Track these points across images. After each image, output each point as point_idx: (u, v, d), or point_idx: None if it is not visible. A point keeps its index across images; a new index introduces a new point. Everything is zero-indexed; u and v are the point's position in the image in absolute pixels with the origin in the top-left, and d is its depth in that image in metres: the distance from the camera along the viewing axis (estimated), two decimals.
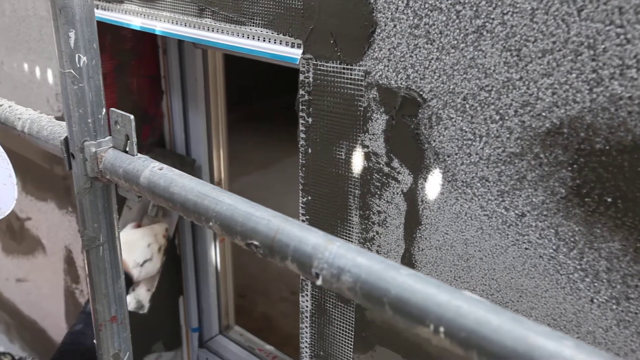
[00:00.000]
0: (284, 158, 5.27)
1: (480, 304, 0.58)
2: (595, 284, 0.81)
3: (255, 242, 0.75)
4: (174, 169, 0.90)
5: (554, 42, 0.75)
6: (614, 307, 0.80)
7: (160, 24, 1.25)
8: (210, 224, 0.81)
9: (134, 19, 1.31)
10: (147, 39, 1.64)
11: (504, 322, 0.56)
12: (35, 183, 2.01)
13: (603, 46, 0.71)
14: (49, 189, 1.95)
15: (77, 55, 0.93)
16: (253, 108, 6.30)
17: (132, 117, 0.93)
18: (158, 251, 1.79)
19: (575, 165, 0.78)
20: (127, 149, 0.96)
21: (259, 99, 6.39)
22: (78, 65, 0.93)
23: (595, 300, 0.82)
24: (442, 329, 0.58)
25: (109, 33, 1.53)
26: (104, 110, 0.98)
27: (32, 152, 1.94)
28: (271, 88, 6.33)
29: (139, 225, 1.82)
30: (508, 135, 0.83)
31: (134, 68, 1.64)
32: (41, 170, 1.94)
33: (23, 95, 1.80)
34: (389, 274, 0.63)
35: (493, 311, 0.57)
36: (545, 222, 0.83)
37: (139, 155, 0.94)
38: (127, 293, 1.73)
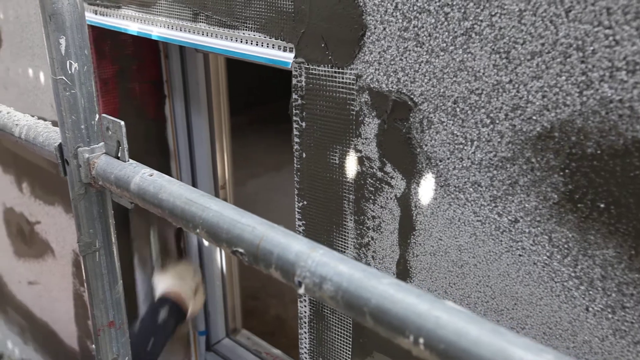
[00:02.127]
0: None
1: (460, 314, 0.56)
2: (590, 292, 0.79)
3: (241, 250, 0.74)
4: (164, 175, 0.89)
5: (542, 44, 0.73)
6: (610, 316, 0.78)
7: (157, 29, 1.25)
8: (198, 230, 0.80)
9: (131, 24, 1.31)
10: (147, 44, 1.64)
11: (483, 333, 0.54)
12: (43, 187, 2.04)
13: (592, 48, 0.69)
14: (56, 193, 1.97)
15: (68, 61, 0.93)
16: (265, 110, 6.31)
17: (122, 123, 0.92)
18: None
19: (567, 170, 0.76)
20: (119, 155, 0.96)
21: (272, 101, 6.40)
22: (69, 72, 0.93)
23: (590, 309, 0.80)
24: (421, 340, 0.57)
25: (108, 38, 1.54)
26: (97, 116, 0.98)
27: (38, 156, 1.96)
28: (284, 89, 6.32)
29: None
30: (499, 139, 0.81)
31: (135, 73, 1.64)
32: (48, 175, 1.96)
33: (29, 101, 1.82)
34: (370, 283, 0.62)
35: (473, 322, 0.55)
36: (539, 228, 0.81)
37: (131, 161, 0.94)
38: (174, 331, 1.61)
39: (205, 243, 1.99)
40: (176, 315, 1.58)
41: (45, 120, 1.11)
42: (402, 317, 0.59)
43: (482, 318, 0.55)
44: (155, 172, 0.90)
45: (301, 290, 0.68)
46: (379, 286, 0.62)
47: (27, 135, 1.10)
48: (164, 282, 1.64)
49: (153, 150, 1.78)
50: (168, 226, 1.87)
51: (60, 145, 1.01)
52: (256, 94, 6.06)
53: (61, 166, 1.03)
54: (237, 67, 2.12)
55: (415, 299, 0.59)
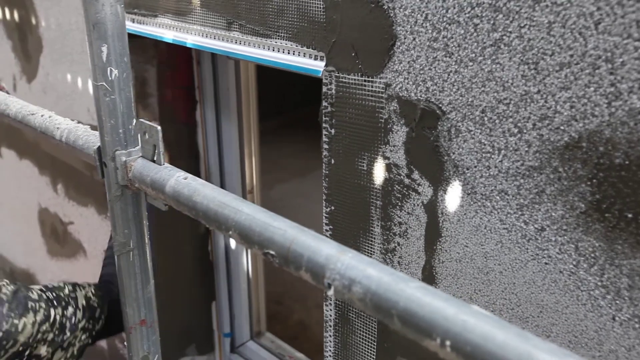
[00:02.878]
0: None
1: (487, 318, 0.58)
2: (617, 302, 0.79)
3: (272, 252, 0.77)
4: (198, 178, 0.92)
5: (571, 56, 0.74)
6: (637, 325, 0.78)
7: (191, 37, 1.30)
8: (230, 232, 0.83)
9: (167, 32, 1.35)
10: (181, 51, 1.69)
11: (509, 337, 0.56)
12: (77, 189, 2.10)
13: (621, 59, 0.70)
14: (89, 194, 2.03)
15: (109, 68, 0.97)
16: (293, 115, 6.35)
17: (159, 127, 0.96)
18: None
19: (594, 180, 0.76)
20: (155, 159, 0.99)
21: (299, 107, 6.44)
22: (110, 78, 0.97)
23: (617, 318, 0.80)
24: (448, 343, 0.58)
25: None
26: (135, 121, 1.02)
27: (74, 159, 2.03)
28: (311, 95, 6.36)
29: None
30: (527, 149, 0.82)
31: (168, 79, 1.69)
32: (82, 177, 2.02)
33: (66, 104, 1.88)
34: (398, 286, 0.64)
35: (499, 326, 0.57)
36: (565, 237, 0.82)
37: (166, 164, 0.97)
38: None
39: (232, 247, 2.02)
40: None
41: (81, 123, 1.16)
42: (430, 320, 0.60)
43: (508, 323, 0.57)
44: (189, 175, 0.93)
45: (330, 292, 0.70)
46: (407, 289, 0.63)
47: (68, 138, 1.15)
48: None
49: (183, 153, 1.82)
50: None
51: (99, 148, 1.05)
52: (283, 100, 6.11)
53: (99, 168, 1.07)
54: (264, 74, 2.15)
55: (443, 303, 0.60)
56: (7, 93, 1.45)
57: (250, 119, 1.82)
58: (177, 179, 0.93)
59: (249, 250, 2.04)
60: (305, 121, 6.31)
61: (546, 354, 0.53)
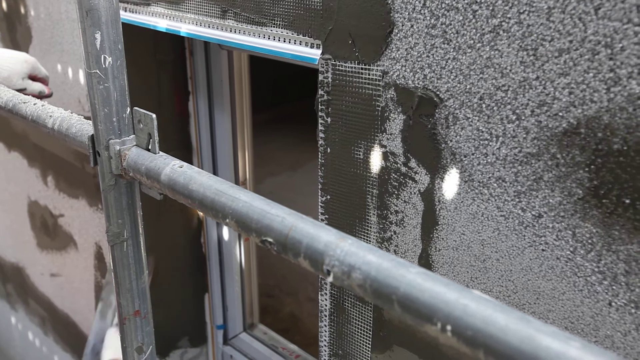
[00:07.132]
0: (314, 159, 5.28)
1: (487, 302, 0.58)
2: (614, 287, 0.80)
3: (270, 239, 0.76)
4: (193, 166, 0.91)
5: (570, 41, 0.74)
6: (633, 310, 0.79)
7: (185, 26, 1.28)
8: (227, 220, 0.82)
9: (160, 21, 1.34)
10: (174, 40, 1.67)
11: (510, 321, 0.56)
12: (67, 181, 2.08)
13: (621, 45, 0.70)
14: (80, 186, 2.01)
15: (102, 56, 0.95)
16: (285, 109, 6.34)
17: (154, 116, 0.95)
18: None
19: (592, 166, 0.77)
20: (150, 147, 0.98)
21: (291, 100, 6.42)
22: (104, 66, 0.96)
23: (613, 304, 0.81)
24: (449, 327, 0.58)
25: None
26: (129, 109, 1.01)
27: (64, 150, 2.00)
28: (303, 89, 6.36)
29: None
30: (524, 135, 0.82)
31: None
32: (73, 169, 2.00)
33: (56, 96, 1.86)
34: (398, 272, 0.64)
35: (500, 310, 0.57)
36: (562, 224, 0.82)
37: (161, 153, 0.96)
38: None
39: (225, 239, 2.01)
40: None
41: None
42: (430, 305, 0.60)
43: (509, 307, 0.57)
44: (185, 163, 0.93)
45: (330, 279, 0.70)
46: (408, 275, 0.63)
47: (61, 126, 1.13)
48: (115, 347, 1.58)
49: (176, 145, 1.81)
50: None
51: (92, 136, 1.04)
52: (273, 94, 6.09)
53: (92, 157, 1.05)
54: (254, 67, 2.14)
55: (444, 288, 0.60)
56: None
57: (243, 110, 1.81)
58: (173, 168, 0.92)
59: (242, 243, 2.03)
60: (296, 115, 6.31)
61: (548, 337, 0.53)
